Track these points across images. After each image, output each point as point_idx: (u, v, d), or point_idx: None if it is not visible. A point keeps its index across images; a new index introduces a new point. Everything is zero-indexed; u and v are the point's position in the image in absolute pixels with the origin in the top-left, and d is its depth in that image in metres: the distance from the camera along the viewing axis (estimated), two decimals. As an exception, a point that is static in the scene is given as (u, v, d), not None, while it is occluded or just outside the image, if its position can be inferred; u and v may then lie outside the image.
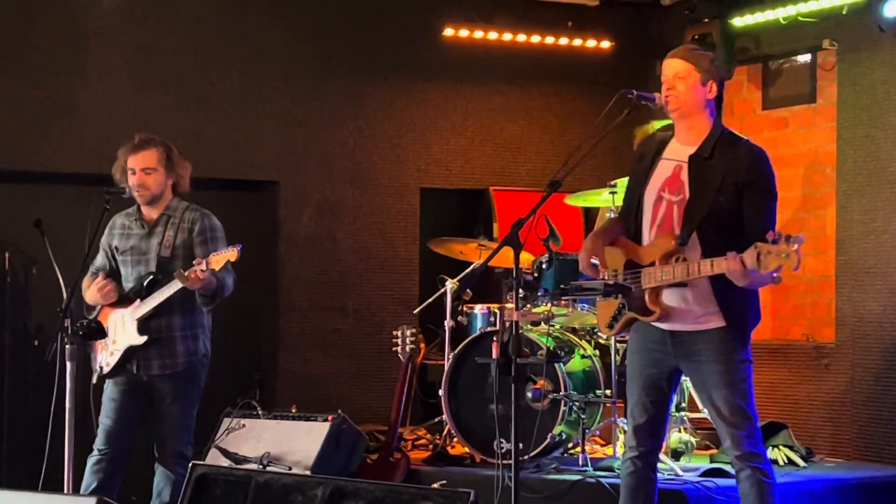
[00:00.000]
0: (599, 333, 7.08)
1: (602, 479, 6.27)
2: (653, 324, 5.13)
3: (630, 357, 5.30)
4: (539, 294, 7.18)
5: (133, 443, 6.26)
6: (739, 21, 8.14)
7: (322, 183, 8.59)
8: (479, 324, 7.54)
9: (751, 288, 4.99)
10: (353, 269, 8.66)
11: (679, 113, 5.15)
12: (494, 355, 5.16)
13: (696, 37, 8.14)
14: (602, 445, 7.31)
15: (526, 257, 7.25)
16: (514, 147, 9.10)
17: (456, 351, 7.13)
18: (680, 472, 6.44)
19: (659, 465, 5.39)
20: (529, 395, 6.70)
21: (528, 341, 6.76)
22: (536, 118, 9.14)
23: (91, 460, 6.16)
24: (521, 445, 5.25)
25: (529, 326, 7.04)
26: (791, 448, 7.07)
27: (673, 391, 5.27)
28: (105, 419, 6.19)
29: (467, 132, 8.98)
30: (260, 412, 7.04)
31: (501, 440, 5.98)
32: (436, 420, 7.60)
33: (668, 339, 5.13)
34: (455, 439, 7.16)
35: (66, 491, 5.65)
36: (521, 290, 5.20)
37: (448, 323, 7.53)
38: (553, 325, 7.08)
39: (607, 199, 7.25)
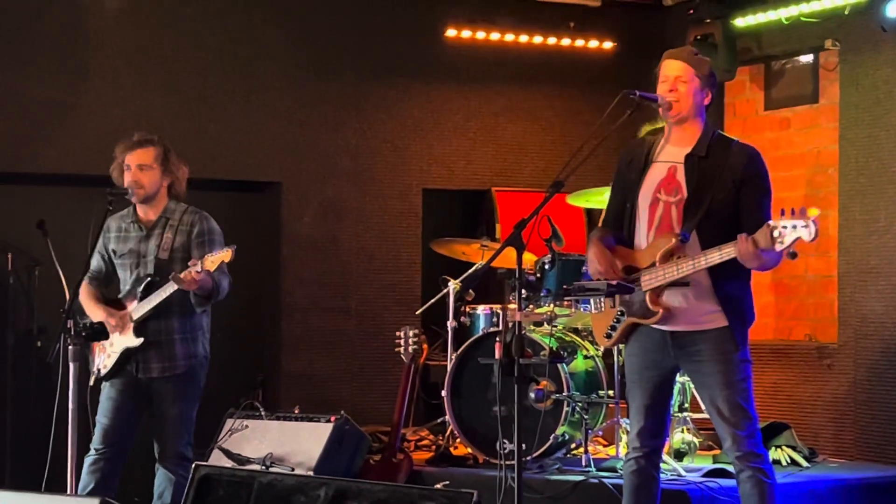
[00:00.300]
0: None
1: (605, 480, 6.27)
2: (653, 326, 5.13)
3: (629, 359, 5.31)
4: (542, 294, 7.19)
5: (131, 443, 6.25)
6: (741, 21, 8.14)
7: (324, 184, 8.58)
8: (481, 324, 7.53)
9: (762, 270, 5.00)
10: (356, 270, 8.65)
11: (679, 117, 5.16)
12: (497, 356, 5.14)
13: (699, 37, 8.12)
14: (605, 446, 7.32)
15: (528, 258, 7.24)
16: (516, 147, 9.09)
17: (458, 351, 7.13)
18: (683, 473, 6.45)
19: (662, 466, 5.39)
20: (532, 395, 6.71)
21: (531, 342, 6.76)
22: (538, 119, 9.14)
23: (88, 460, 6.15)
24: (523, 446, 5.24)
25: (532, 327, 7.04)
26: (794, 448, 7.07)
27: (672, 391, 5.27)
28: (102, 418, 6.18)
29: (469, 133, 8.98)
30: (263, 413, 7.03)
31: (504, 441, 5.96)
32: (438, 421, 7.59)
33: (668, 341, 5.13)
34: (458, 440, 7.16)
35: (68, 492, 5.65)
36: (523, 291, 5.19)
37: (451, 323, 7.54)
38: (556, 326, 7.08)
39: (609, 200, 7.24)
